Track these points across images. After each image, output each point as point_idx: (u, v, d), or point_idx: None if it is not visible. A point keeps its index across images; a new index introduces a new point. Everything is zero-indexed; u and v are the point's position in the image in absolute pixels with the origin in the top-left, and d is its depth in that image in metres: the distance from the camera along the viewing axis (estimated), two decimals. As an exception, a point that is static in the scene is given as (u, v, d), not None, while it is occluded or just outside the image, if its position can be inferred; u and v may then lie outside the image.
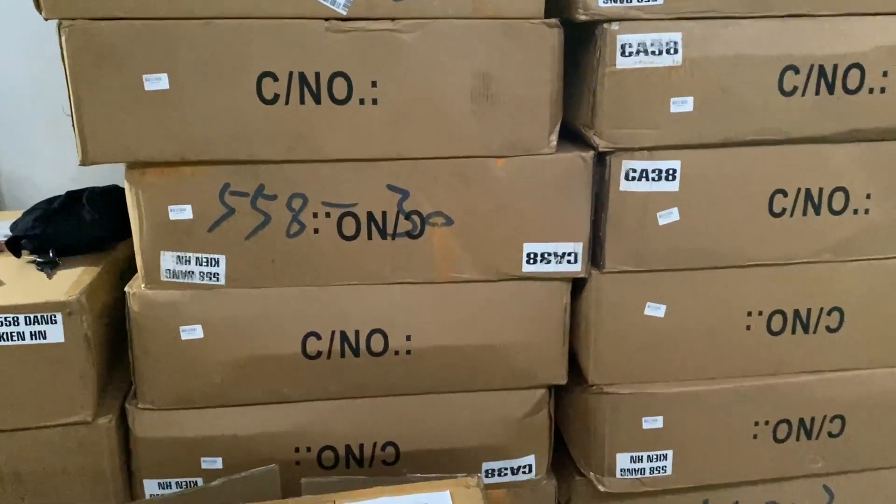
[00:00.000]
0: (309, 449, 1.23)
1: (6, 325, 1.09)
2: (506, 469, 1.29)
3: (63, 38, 1.03)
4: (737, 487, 1.34)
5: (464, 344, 1.21)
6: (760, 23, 1.11)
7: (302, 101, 1.07)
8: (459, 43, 1.08)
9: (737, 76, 1.12)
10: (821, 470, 1.33)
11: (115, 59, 1.04)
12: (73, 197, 1.30)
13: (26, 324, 1.09)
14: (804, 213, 1.20)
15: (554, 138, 1.14)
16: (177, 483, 1.22)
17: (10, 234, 1.28)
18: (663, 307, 1.22)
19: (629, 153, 1.14)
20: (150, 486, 1.22)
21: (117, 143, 1.07)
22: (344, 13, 1.05)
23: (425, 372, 1.22)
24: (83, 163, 1.09)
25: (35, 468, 1.16)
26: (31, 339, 1.10)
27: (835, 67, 1.13)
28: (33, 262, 1.24)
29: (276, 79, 1.06)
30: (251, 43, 1.05)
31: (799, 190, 1.19)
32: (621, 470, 1.28)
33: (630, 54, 1.10)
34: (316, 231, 1.14)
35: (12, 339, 1.10)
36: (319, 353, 1.19)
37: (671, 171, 1.16)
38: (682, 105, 1.13)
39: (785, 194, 1.19)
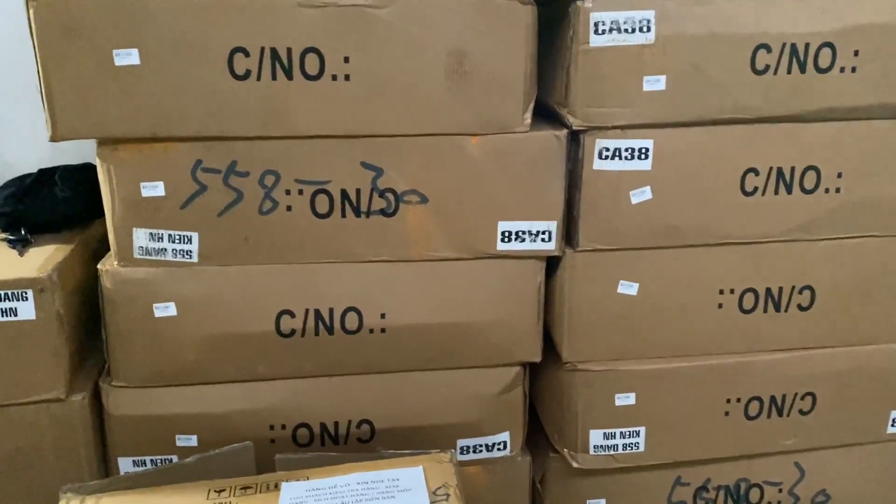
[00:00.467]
0: (284, 427, 1.23)
1: (-24, 302, 1.09)
2: (480, 446, 1.30)
3: (31, 13, 1.02)
4: (709, 464, 1.36)
5: (438, 322, 1.22)
6: (734, 1, 1.11)
7: (274, 77, 1.07)
8: (433, 19, 1.07)
9: (709, 55, 1.12)
10: (792, 447, 1.35)
11: (84, 34, 1.03)
12: (45, 174, 1.29)
13: (-3, 300, 1.09)
14: (776, 192, 1.21)
15: (528, 116, 1.14)
16: (151, 461, 1.23)
17: (-19, 212, 1.27)
18: (636, 285, 1.23)
19: (602, 132, 1.15)
20: (125, 464, 1.23)
21: (88, 119, 1.06)
22: (316, -12, 1.04)
23: (400, 350, 1.23)
24: (53, 139, 1.08)
25: (7, 445, 1.16)
26: (2, 315, 1.10)
27: (806, 46, 1.13)
28: (4, 239, 1.23)
29: (247, 54, 1.06)
30: (222, 17, 1.04)
31: (771, 169, 1.20)
32: (594, 447, 1.29)
33: (603, 32, 1.10)
34: (289, 208, 1.14)
35: (-17, 316, 1.09)
36: (293, 331, 1.19)
37: (644, 150, 1.16)
38: (655, 83, 1.13)
39: (757, 173, 1.19)
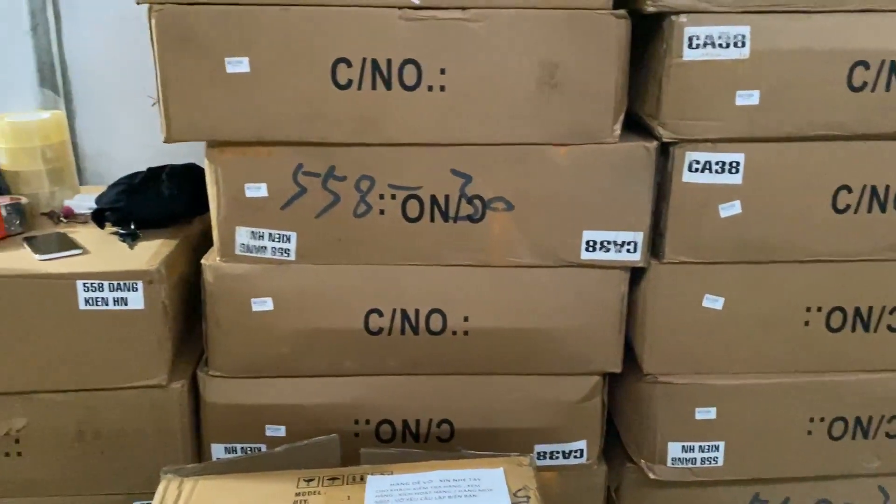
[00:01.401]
0: (368, 421, 1.28)
1: (92, 290, 1.16)
2: (557, 452, 1.32)
3: (152, 22, 1.09)
4: (788, 483, 1.34)
5: (520, 327, 1.24)
6: (831, 17, 1.10)
7: (374, 87, 1.12)
8: (527, 32, 1.10)
9: (805, 70, 1.12)
10: (877, 470, 1.32)
11: (200, 42, 1.09)
12: (153, 173, 1.37)
13: (110, 290, 1.17)
14: (869, 210, 1.19)
15: (618, 127, 1.15)
16: (242, 448, 1.29)
17: (94, 206, 1.35)
18: (721, 299, 1.23)
19: (693, 144, 1.15)
20: (217, 450, 1.29)
21: (199, 123, 1.13)
22: (416, 2, 1.08)
23: (482, 353, 1.25)
24: (167, 140, 1.15)
25: (113, 426, 1.24)
26: (114, 304, 1.17)
27: (906, 63, 1.12)
28: (115, 233, 1.31)
29: (349, 64, 1.10)
30: (327, 29, 1.09)
31: (864, 187, 1.18)
32: (672, 459, 1.29)
33: (697, 46, 1.11)
34: (381, 212, 1.19)
35: (97, 304, 1.17)
36: (381, 330, 1.23)
37: (734, 164, 1.16)
38: (748, 98, 1.13)
39: (850, 190, 1.18)
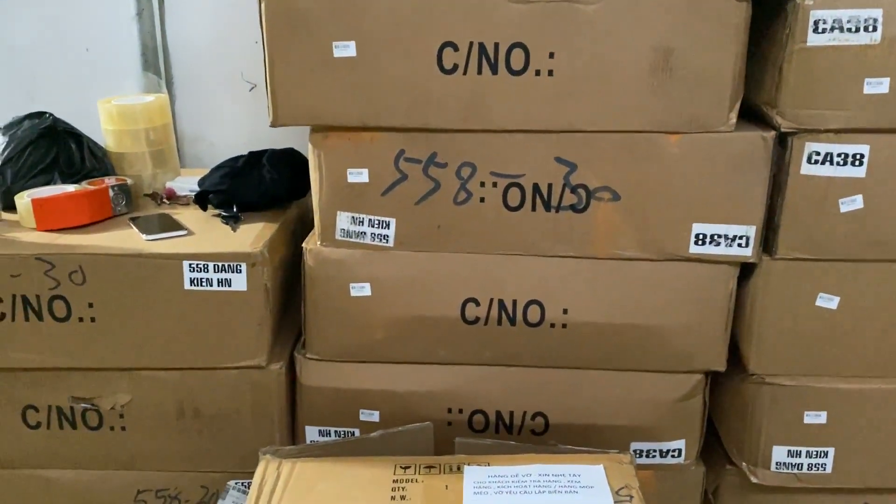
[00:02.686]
0: (461, 411, 1.27)
1: (197, 270, 1.18)
2: (654, 451, 1.28)
3: (262, 5, 1.09)
4: (901, 494, 1.27)
5: (621, 322, 1.21)
6: (975, -2, 1.03)
7: (479, 72, 1.09)
8: (642, 15, 1.06)
9: (942, 57, 1.04)
10: None
11: (308, 27, 1.09)
12: (254, 157, 1.39)
13: (214, 271, 1.18)
14: None
15: (733, 116, 1.10)
16: (335, 431, 1.30)
17: (196, 188, 1.38)
18: (837, 299, 1.17)
19: (813, 135, 1.09)
20: (311, 433, 1.30)
21: (305, 107, 1.13)
22: (527, -16, 1.06)
23: (580, 347, 1.23)
24: (273, 124, 1.15)
25: (212, 405, 1.27)
26: (218, 285, 1.19)
27: None
28: (218, 215, 1.33)
29: (456, 48, 1.09)
30: (434, 13, 1.08)
31: None
32: (777, 463, 1.24)
33: (823, 31, 1.05)
34: (482, 200, 1.17)
35: (201, 285, 1.19)
36: (477, 319, 1.22)
37: (858, 156, 1.10)
38: (877, 86, 1.06)
39: (983, 186, 1.10)
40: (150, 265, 1.19)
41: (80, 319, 1.21)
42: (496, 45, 1.08)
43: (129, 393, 1.27)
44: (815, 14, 1.04)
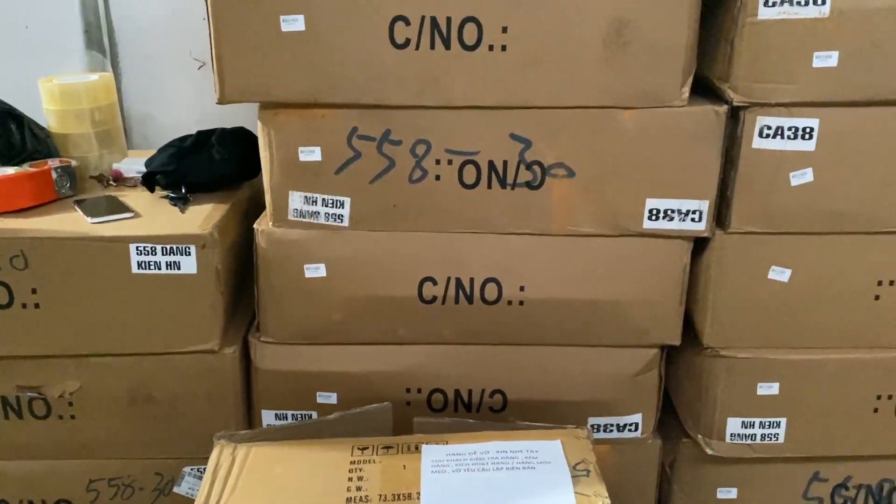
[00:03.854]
0: (420, 390, 1.26)
1: (144, 254, 1.15)
2: (612, 425, 1.29)
3: (206, -21, 1.06)
4: (851, 461, 1.30)
5: (578, 298, 1.21)
6: (921, -29, 1.04)
7: (432, 46, 1.08)
8: (594, -12, 1.05)
9: (889, 30, 1.05)
10: (945, 450, 1.28)
11: (255, 0, 1.06)
12: (203, 136, 1.35)
13: (163, 254, 1.15)
14: (951, 180, 1.13)
15: (686, 90, 1.10)
16: (292, 415, 1.28)
17: (143, 169, 1.34)
18: (788, 271, 1.18)
19: (765, 109, 1.10)
20: (268, 417, 1.28)
21: (253, 83, 1.10)
22: (478, -44, 1.04)
23: (537, 323, 1.23)
24: (220, 101, 1.12)
25: (165, 391, 1.24)
26: (167, 269, 1.16)
27: None
28: (166, 196, 1.30)
29: (407, 23, 1.07)
30: (385, -15, 1.05)
31: (948, 155, 1.12)
32: (731, 434, 1.26)
33: (773, 4, 1.05)
34: (437, 178, 1.15)
35: (149, 268, 1.16)
36: (434, 298, 1.21)
37: (808, 130, 1.10)
38: (826, 60, 1.07)
39: (931, 158, 1.12)
40: (96, 249, 1.15)
41: (24, 306, 1.17)
42: (448, 20, 1.06)
43: (77, 380, 1.23)
44: (766, -13, 1.04)
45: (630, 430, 1.30)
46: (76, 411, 1.25)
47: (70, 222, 1.20)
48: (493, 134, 1.13)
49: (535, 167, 1.15)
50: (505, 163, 1.15)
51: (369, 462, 1.05)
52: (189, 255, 1.16)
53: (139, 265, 1.16)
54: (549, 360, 1.25)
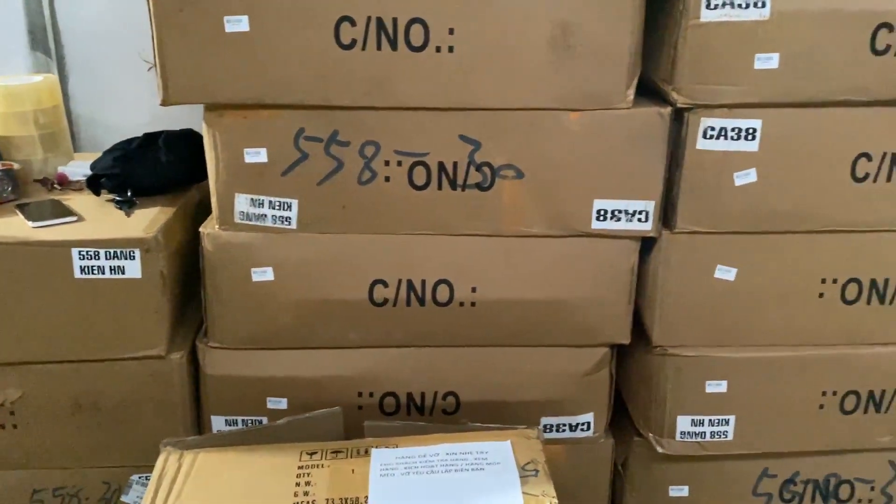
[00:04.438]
0: (371, 394, 1.25)
1: (87, 258, 1.13)
2: (564, 425, 1.29)
3: (147, -22, 1.04)
4: (798, 457, 1.32)
5: (529, 298, 1.21)
6: (855, -23, 1.06)
7: (378, 47, 1.07)
8: (540, -10, 1.06)
9: (828, 33, 1.08)
10: (889, 444, 1.31)
11: (197, 1, 1.05)
12: (149, 139, 1.33)
13: (106, 258, 1.13)
14: (888, 179, 1.16)
15: (631, 92, 1.11)
16: (243, 420, 1.26)
17: (89, 172, 1.31)
18: (734, 270, 1.20)
19: (708, 110, 1.11)
20: (217, 422, 1.26)
21: (197, 85, 1.09)
22: (423, -43, 1.04)
23: (489, 324, 1.23)
24: (164, 103, 1.11)
25: (111, 398, 1.21)
26: (111, 273, 1.14)
27: (933, 26, 1.07)
28: (111, 200, 1.28)
29: (353, 23, 1.06)
30: (330, -14, 1.05)
31: (885, 154, 1.14)
32: (681, 433, 1.27)
33: (715, 7, 1.06)
34: (387, 179, 1.15)
35: (92, 273, 1.14)
36: (386, 301, 1.20)
37: (751, 130, 1.12)
38: (767, 62, 1.09)
39: (869, 158, 1.14)
40: (37, 253, 1.13)
41: (-38, 313, 1.14)
42: (394, 20, 1.06)
43: (20, 388, 1.20)
44: (708, -10, 1.06)
45: (582, 430, 1.30)
46: (18, 420, 1.22)
47: (10, 227, 1.18)
48: (442, 135, 1.13)
49: (485, 168, 1.15)
50: (455, 164, 1.15)
51: (318, 467, 1.04)
52: (133, 259, 1.14)
53: (82, 270, 1.14)
54: (500, 361, 1.25)
